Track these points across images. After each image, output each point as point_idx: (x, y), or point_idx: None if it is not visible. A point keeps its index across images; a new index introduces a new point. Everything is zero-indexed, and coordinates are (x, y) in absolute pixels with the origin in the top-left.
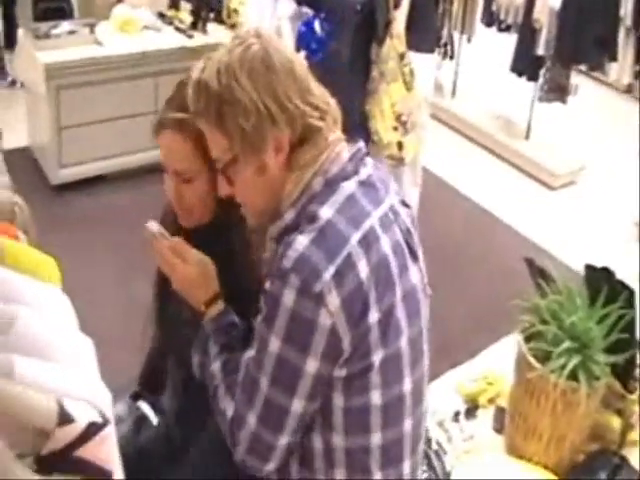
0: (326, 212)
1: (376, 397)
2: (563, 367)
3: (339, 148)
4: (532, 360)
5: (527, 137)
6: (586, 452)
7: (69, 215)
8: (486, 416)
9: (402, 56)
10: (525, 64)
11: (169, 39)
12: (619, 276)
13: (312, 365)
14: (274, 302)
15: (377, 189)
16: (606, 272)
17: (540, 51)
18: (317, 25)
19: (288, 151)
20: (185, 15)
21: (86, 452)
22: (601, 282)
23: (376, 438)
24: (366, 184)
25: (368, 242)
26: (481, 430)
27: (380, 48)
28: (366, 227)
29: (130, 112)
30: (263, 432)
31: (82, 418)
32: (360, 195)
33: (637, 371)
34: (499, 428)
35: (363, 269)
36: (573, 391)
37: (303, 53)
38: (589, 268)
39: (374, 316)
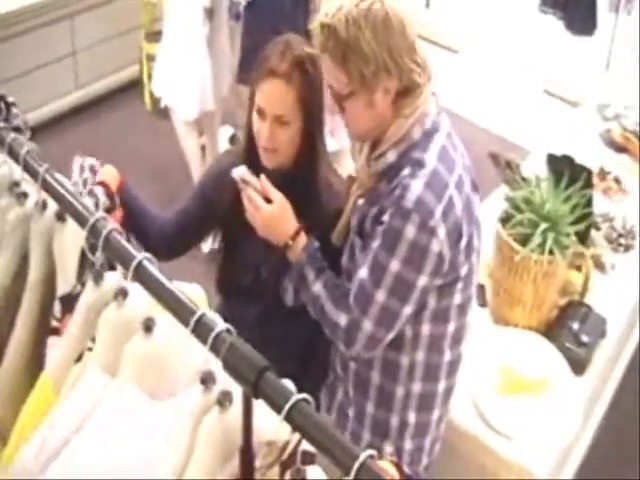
0: (431, 160)
1: (457, 298)
2: (541, 245)
3: (431, 102)
4: (514, 244)
5: (427, 6)
6: (558, 307)
7: None
8: None
9: None
10: None
11: None
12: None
13: (423, 280)
14: (396, 234)
15: (452, 136)
16: (567, 158)
17: None
18: None
19: (394, 96)
20: None
21: None
22: (563, 167)
23: (451, 327)
24: (449, 135)
25: (459, 185)
26: None
27: None
28: (457, 173)
29: (49, 59)
30: (378, 332)
31: None
32: (448, 145)
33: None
34: (482, 303)
35: (458, 207)
36: (550, 263)
37: None
38: (551, 156)
39: (464, 241)
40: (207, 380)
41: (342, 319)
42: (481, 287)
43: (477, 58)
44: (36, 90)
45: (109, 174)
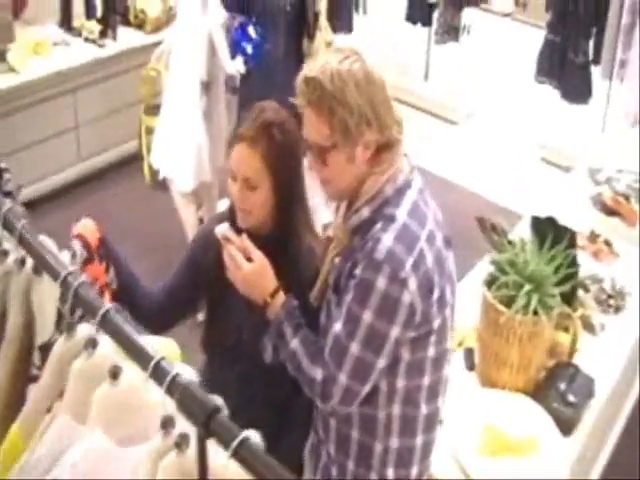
0: (402, 214)
1: (431, 351)
2: (526, 307)
3: (404, 161)
4: (499, 306)
5: (426, 78)
6: (546, 368)
7: None
8: (456, 358)
9: (329, 44)
10: (418, 12)
11: (82, 53)
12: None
13: (395, 331)
14: (368, 286)
15: (424, 193)
16: (551, 220)
17: None
18: (251, 29)
19: (373, 151)
20: (92, 24)
21: None
22: (546, 228)
23: (427, 381)
24: (421, 191)
25: (431, 239)
26: (454, 371)
27: (311, 42)
28: (428, 228)
29: (52, 132)
30: (354, 385)
31: None
32: (420, 201)
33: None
34: (470, 366)
35: (429, 259)
36: (535, 324)
37: (240, 59)
38: (535, 218)
39: (436, 294)
40: (167, 424)
41: (318, 374)
42: (469, 351)
43: (476, 129)
44: (39, 163)
45: (85, 228)
